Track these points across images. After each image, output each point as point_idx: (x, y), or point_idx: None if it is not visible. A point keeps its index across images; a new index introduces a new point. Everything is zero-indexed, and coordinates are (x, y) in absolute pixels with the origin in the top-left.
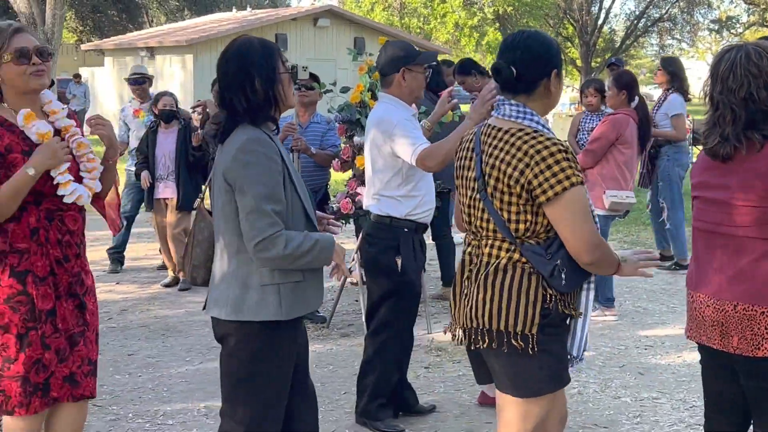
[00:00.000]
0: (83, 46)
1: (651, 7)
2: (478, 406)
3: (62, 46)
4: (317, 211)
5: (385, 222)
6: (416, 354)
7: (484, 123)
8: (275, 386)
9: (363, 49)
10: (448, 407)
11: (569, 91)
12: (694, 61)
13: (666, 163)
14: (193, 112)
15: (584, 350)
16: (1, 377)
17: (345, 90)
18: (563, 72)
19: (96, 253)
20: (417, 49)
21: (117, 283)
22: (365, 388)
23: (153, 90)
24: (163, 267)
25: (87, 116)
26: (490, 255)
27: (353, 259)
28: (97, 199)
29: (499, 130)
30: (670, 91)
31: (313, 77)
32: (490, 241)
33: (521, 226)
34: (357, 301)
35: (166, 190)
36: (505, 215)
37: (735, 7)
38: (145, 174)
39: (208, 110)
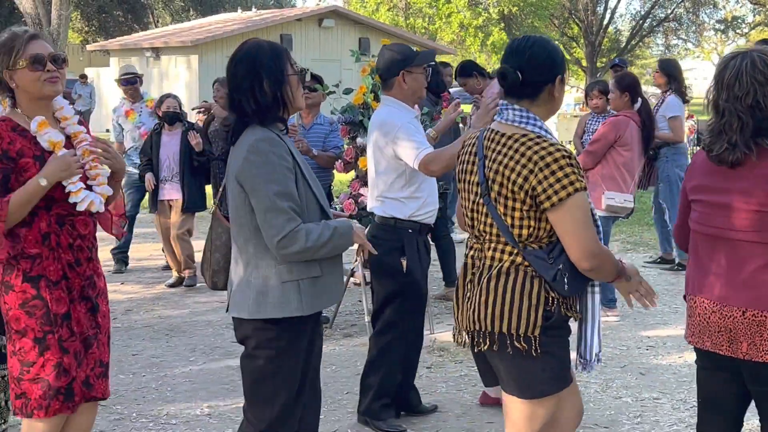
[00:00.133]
0: (89, 47)
1: (656, 7)
2: (480, 406)
3: (68, 47)
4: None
5: (389, 223)
6: None
7: (487, 127)
8: (297, 381)
9: (368, 49)
10: (449, 407)
11: (574, 92)
12: (699, 61)
13: (665, 165)
14: (198, 113)
15: (600, 352)
16: (21, 381)
17: (348, 91)
18: (566, 75)
19: (100, 253)
20: (414, 49)
21: (122, 284)
22: (369, 388)
23: (143, 89)
24: (168, 268)
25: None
26: (492, 258)
27: (356, 260)
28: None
29: (503, 135)
30: (668, 93)
31: (316, 79)
32: (492, 245)
33: (524, 231)
34: (360, 301)
35: (171, 192)
36: (509, 220)
37: (741, 7)
38: (149, 176)
39: (213, 111)
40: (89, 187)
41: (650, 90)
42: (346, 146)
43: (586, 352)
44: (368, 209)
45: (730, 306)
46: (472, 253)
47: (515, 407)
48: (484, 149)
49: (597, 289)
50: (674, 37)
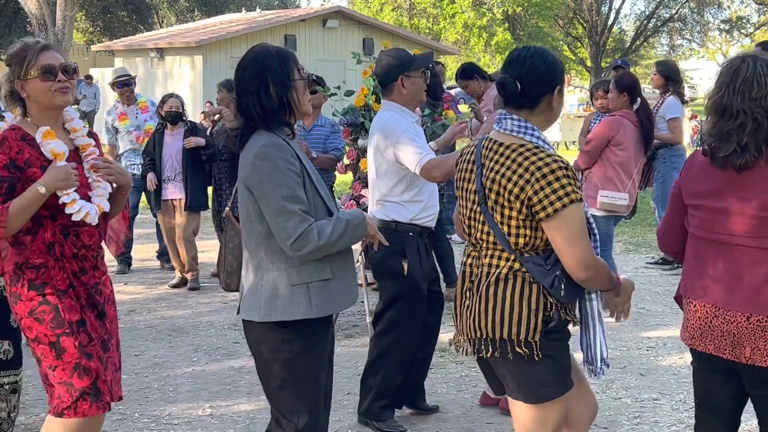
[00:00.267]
0: (94, 47)
1: (661, 7)
2: (480, 406)
3: (73, 47)
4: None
5: (390, 227)
6: None
7: (485, 136)
8: (319, 383)
9: (372, 50)
10: (449, 407)
11: (578, 92)
12: (704, 61)
13: (662, 166)
14: (206, 117)
15: (606, 356)
16: (52, 386)
17: (349, 93)
18: (567, 82)
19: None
20: (412, 54)
21: (125, 284)
22: (369, 389)
23: (138, 91)
24: (173, 268)
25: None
26: (490, 265)
27: (358, 261)
28: (104, 220)
29: (501, 144)
30: (667, 95)
31: (317, 80)
32: (490, 252)
33: (521, 240)
34: (362, 302)
35: (175, 192)
36: (506, 229)
37: (745, 7)
38: (150, 176)
39: (223, 116)
40: (88, 198)
41: (647, 89)
42: (347, 148)
43: (592, 358)
44: (369, 213)
45: (734, 311)
46: (469, 260)
47: (524, 413)
48: (482, 158)
49: (594, 296)
50: (679, 37)
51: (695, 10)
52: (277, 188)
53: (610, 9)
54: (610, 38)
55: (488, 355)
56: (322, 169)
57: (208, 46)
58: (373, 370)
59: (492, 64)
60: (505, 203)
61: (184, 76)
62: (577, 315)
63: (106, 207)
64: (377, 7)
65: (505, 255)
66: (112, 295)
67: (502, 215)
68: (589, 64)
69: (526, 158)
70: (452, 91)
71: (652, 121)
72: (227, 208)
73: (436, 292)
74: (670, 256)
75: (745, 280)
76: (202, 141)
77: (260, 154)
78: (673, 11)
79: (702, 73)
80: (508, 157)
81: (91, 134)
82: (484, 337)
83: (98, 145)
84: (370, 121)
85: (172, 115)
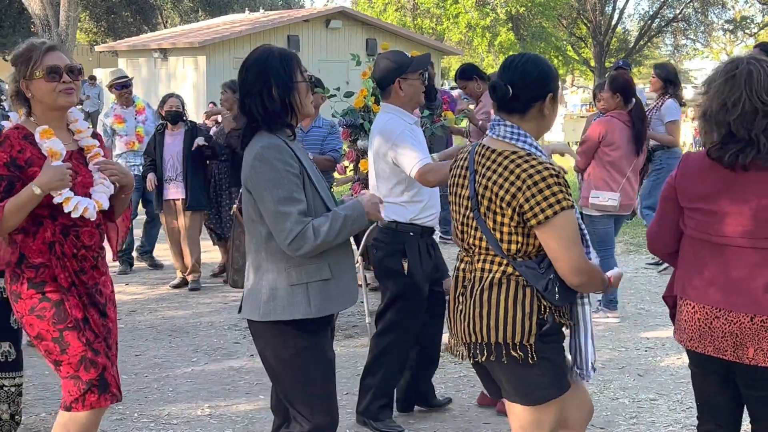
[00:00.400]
0: (97, 48)
1: (665, 7)
2: (478, 406)
3: (76, 48)
4: None
5: (391, 227)
6: None
7: (479, 142)
8: (326, 378)
9: (375, 50)
10: (447, 407)
11: (581, 92)
12: (708, 61)
13: (657, 168)
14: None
15: (594, 361)
16: (61, 380)
17: (349, 95)
18: (559, 96)
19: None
20: (409, 56)
21: (126, 285)
22: (368, 388)
23: (142, 91)
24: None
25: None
26: (483, 270)
27: (358, 262)
28: (108, 220)
29: (493, 151)
30: (666, 97)
31: (316, 82)
32: (483, 257)
33: (513, 246)
34: (361, 302)
35: (176, 192)
36: (498, 235)
37: (750, 7)
38: (151, 176)
39: (222, 120)
40: (89, 195)
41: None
42: (346, 149)
43: (582, 362)
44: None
45: (736, 312)
46: (462, 266)
47: (520, 415)
48: (474, 164)
49: (587, 300)
50: (683, 38)
51: (699, 10)
52: (274, 190)
53: (614, 9)
54: (614, 38)
55: (484, 359)
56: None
57: (211, 47)
58: (373, 369)
59: (495, 64)
60: (497, 210)
61: (188, 77)
62: (578, 320)
63: (105, 204)
64: (381, 7)
65: (497, 260)
66: (113, 295)
67: (494, 221)
68: (593, 64)
69: (518, 165)
70: (454, 92)
71: (644, 122)
72: (234, 206)
73: (438, 292)
74: (661, 258)
75: (748, 281)
76: (202, 140)
77: (259, 156)
78: (677, 11)
79: (706, 74)
80: (500, 164)
81: (95, 135)
82: (479, 341)
83: (102, 146)
84: (369, 122)
85: (172, 115)
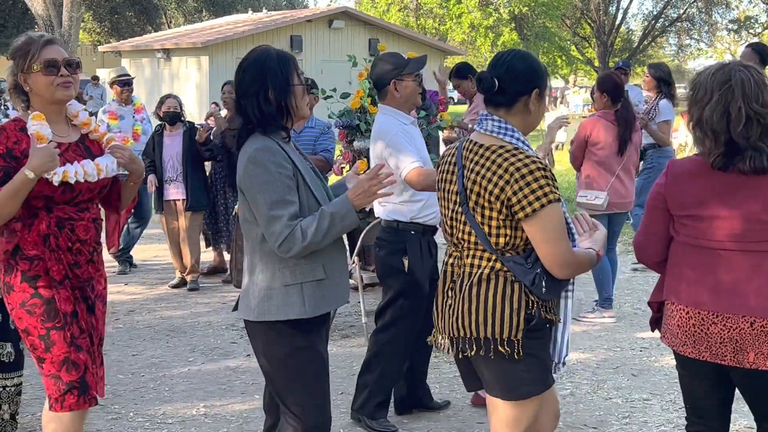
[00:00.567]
0: (101, 48)
1: (669, 7)
2: (471, 406)
3: (80, 48)
4: None
5: (392, 226)
6: None
7: (466, 138)
8: (319, 378)
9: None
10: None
11: (583, 93)
12: (712, 61)
13: (647, 166)
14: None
15: (566, 355)
16: (42, 376)
17: (345, 96)
18: (547, 93)
19: (105, 254)
20: (405, 57)
21: (125, 285)
22: (365, 385)
23: (146, 91)
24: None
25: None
26: (472, 265)
27: (353, 262)
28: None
29: (481, 146)
30: (660, 97)
31: (311, 83)
32: (471, 252)
33: (501, 240)
34: (358, 302)
35: (177, 192)
36: (486, 229)
37: (754, 6)
38: (151, 177)
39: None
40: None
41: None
42: (343, 150)
43: (555, 354)
44: (375, 214)
45: (736, 317)
46: (451, 260)
47: (501, 410)
48: (462, 159)
49: (570, 294)
50: (687, 37)
51: (703, 10)
52: (266, 193)
53: (617, 9)
54: (618, 38)
55: (472, 353)
56: None
57: (214, 47)
58: (371, 366)
59: None
60: (486, 204)
61: (191, 77)
62: (558, 314)
63: (104, 169)
64: (384, 7)
65: (486, 255)
66: (104, 292)
67: (483, 216)
68: (596, 64)
69: (506, 159)
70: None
71: (630, 122)
72: (237, 206)
73: None
74: (650, 267)
75: (747, 285)
76: (202, 138)
77: (252, 159)
78: (681, 11)
79: None
80: (488, 159)
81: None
82: (467, 336)
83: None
84: (366, 123)
85: (170, 116)
